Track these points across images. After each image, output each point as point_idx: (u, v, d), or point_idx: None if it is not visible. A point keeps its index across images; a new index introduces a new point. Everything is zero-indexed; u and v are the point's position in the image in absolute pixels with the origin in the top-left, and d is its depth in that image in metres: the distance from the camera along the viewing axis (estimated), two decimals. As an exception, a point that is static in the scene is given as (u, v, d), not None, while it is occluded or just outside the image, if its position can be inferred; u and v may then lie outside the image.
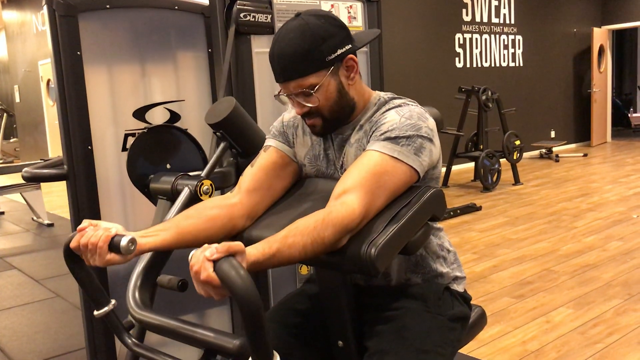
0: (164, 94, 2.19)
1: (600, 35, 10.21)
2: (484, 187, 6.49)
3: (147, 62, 2.16)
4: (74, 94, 1.96)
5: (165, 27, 2.18)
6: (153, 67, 2.17)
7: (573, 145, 10.32)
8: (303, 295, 1.47)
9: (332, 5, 2.24)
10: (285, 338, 1.35)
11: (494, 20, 8.77)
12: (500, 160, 6.71)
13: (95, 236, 1.13)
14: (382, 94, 1.37)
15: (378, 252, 1.09)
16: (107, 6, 2.03)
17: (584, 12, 10.31)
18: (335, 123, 1.33)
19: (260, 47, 2.08)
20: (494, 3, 8.74)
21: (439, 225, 1.41)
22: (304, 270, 2.26)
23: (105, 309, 1.24)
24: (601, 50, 10.27)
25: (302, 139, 1.43)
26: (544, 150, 9.14)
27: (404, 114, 1.26)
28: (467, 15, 8.38)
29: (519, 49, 9.20)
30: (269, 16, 2.07)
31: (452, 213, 5.27)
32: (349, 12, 2.30)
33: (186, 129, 1.98)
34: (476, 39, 8.52)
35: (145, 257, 1.40)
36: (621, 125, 12.09)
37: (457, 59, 8.30)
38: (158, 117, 2.18)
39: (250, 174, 1.39)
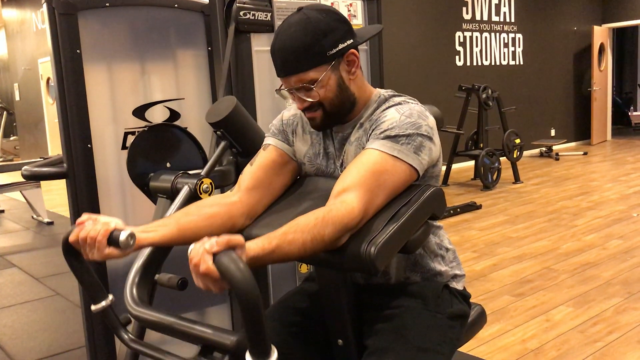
0: (164, 92, 2.19)
1: (601, 34, 10.20)
2: (484, 186, 6.49)
3: (146, 60, 2.16)
4: (74, 92, 1.96)
5: (165, 25, 2.18)
6: (153, 66, 2.17)
7: (573, 144, 10.32)
8: (303, 294, 1.47)
9: (332, 3, 2.24)
10: (285, 336, 1.35)
11: (494, 18, 8.76)
12: (500, 158, 6.71)
13: (94, 230, 1.13)
14: (382, 91, 1.37)
15: (378, 251, 1.09)
16: (107, 4, 2.03)
17: (584, 10, 10.30)
18: (336, 117, 1.33)
19: (260, 46, 2.08)
20: (494, 1, 8.73)
21: (438, 223, 1.41)
22: (304, 268, 2.26)
23: (103, 304, 1.23)
24: (601, 48, 10.26)
25: (301, 137, 1.43)
26: (544, 149, 9.13)
27: (404, 112, 1.25)
28: (467, 13, 8.37)
29: (519, 47, 9.19)
30: (269, 14, 2.07)
31: (452, 211, 5.28)
32: (349, 10, 2.29)
33: (186, 128, 1.98)
34: (476, 37, 8.52)
35: (144, 254, 1.39)
36: (621, 124, 12.08)
37: (457, 57, 8.29)
38: (158, 115, 2.17)
39: (250, 173, 1.39)
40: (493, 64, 8.79)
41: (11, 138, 12.73)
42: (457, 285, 1.42)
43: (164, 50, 2.19)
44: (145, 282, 1.34)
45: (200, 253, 0.97)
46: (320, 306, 1.37)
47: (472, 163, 7.16)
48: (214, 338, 1.02)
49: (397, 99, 1.32)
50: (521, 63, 9.25)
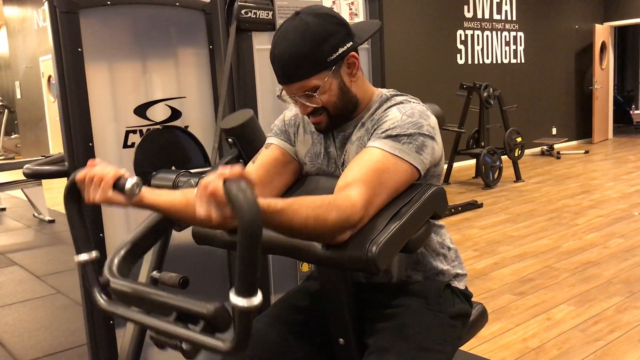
0: (165, 91, 2.19)
1: (602, 32, 10.19)
2: (485, 184, 6.49)
3: (148, 58, 2.16)
4: (75, 90, 1.96)
5: (166, 24, 2.18)
6: (154, 64, 2.17)
7: (574, 142, 10.32)
8: (304, 292, 1.47)
9: (334, 2, 2.24)
10: (286, 335, 1.35)
11: (496, 16, 8.76)
12: (502, 157, 6.71)
13: (104, 170, 1.14)
14: (384, 90, 1.37)
15: (379, 250, 1.08)
16: (108, 2, 2.03)
17: (585, 9, 10.28)
18: (339, 119, 1.33)
19: (262, 44, 2.08)
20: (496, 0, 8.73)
21: (440, 222, 1.41)
22: (305, 267, 2.27)
23: (85, 256, 1.20)
24: (603, 46, 10.25)
25: (303, 137, 1.42)
26: (545, 147, 9.13)
27: (406, 112, 1.25)
28: (468, 11, 8.36)
29: (520, 45, 9.18)
30: (270, 13, 2.06)
31: (453, 210, 5.28)
32: (351, 9, 2.29)
33: (187, 126, 1.98)
34: (478, 35, 8.51)
35: (140, 229, 1.36)
36: (623, 122, 12.08)
37: (458, 55, 8.28)
38: (159, 113, 2.17)
39: (252, 171, 1.39)
40: (494, 62, 8.78)
41: (12, 136, 12.75)
42: (459, 285, 1.42)
43: (165, 48, 2.19)
44: (132, 258, 1.29)
45: (212, 178, 0.97)
46: (322, 305, 1.37)
47: (473, 161, 7.16)
48: (189, 307, 0.98)
49: (398, 98, 1.32)
50: (522, 61, 9.24)
